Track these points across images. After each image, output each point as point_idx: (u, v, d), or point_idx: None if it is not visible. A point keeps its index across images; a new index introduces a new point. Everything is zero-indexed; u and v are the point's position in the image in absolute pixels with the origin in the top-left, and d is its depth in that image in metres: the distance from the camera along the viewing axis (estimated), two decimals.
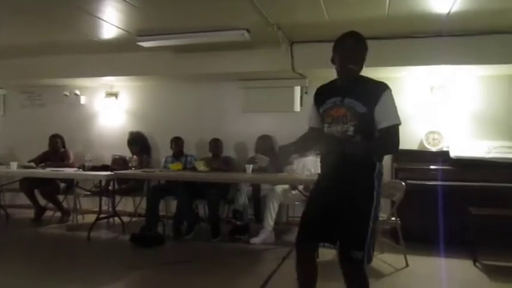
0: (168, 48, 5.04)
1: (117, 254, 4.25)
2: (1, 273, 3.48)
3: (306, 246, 2.31)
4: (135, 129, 5.91)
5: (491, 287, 3.34)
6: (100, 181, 5.07)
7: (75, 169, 5.21)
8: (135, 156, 5.29)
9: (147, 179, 5.10)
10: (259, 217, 4.84)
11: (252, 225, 4.83)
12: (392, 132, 2.09)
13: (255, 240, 4.48)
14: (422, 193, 4.27)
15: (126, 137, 5.75)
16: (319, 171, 2.42)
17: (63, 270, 3.61)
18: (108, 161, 5.58)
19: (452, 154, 4.63)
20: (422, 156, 4.83)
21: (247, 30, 4.30)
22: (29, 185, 5.53)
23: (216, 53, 5.07)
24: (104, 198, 5.11)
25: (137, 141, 5.70)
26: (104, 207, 5.09)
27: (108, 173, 4.74)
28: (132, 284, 3.45)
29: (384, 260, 3.86)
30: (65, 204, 5.72)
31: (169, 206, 5.58)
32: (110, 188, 5.17)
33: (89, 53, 5.43)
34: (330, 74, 2.29)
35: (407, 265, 3.75)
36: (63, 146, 5.94)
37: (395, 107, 2.11)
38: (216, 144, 5.39)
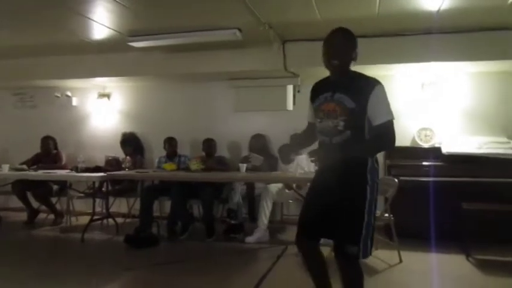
0: (160, 48, 5.03)
1: (111, 256, 4.23)
2: None
3: (306, 244, 2.35)
4: (128, 130, 5.89)
5: (484, 281, 3.37)
6: (93, 182, 5.04)
7: (68, 171, 5.18)
8: (128, 157, 5.28)
9: (140, 180, 5.09)
10: (253, 216, 4.85)
11: (246, 224, 4.84)
12: (387, 128, 2.10)
13: (250, 239, 4.49)
14: (415, 189, 4.31)
15: (119, 138, 5.73)
16: (312, 170, 2.44)
17: (57, 273, 3.59)
18: (101, 163, 5.56)
19: (444, 150, 4.66)
20: (414, 152, 4.86)
21: (239, 30, 4.31)
22: (21, 187, 5.49)
23: (208, 53, 5.07)
24: (97, 200, 5.09)
25: (130, 142, 5.68)
26: (98, 209, 5.07)
27: (102, 174, 4.72)
28: (126, 285, 3.44)
29: (377, 256, 3.88)
30: (58, 207, 5.68)
31: (163, 207, 5.57)
32: (103, 189, 5.15)
33: (80, 54, 5.40)
34: (323, 72, 2.31)
35: (400, 261, 3.78)
36: (56, 148, 5.90)
37: (387, 103, 2.12)
38: (209, 144, 5.39)
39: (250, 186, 5.01)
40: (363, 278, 2.22)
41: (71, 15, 3.97)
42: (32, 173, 5.15)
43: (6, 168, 5.07)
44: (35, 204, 5.62)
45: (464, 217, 3.91)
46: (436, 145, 4.87)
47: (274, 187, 4.70)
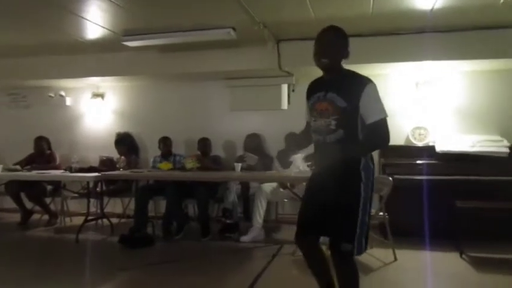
0: (154, 48, 5.01)
1: (106, 256, 4.22)
2: None
3: (305, 243, 2.37)
4: (122, 129, 5.87)
5: (478, 279, 3.39)
6: (88, 183, 5.02)
7: (62, 171, 5.16)
8: (122, 157, 5.26)
9: (135, 180, 5.08)
10: (248, 215, 4.85)
11: (241, 224, 4.84)
12: (380, 126, 2.11)
13: (245, 238, 4.49)
14: (410, 188, 4.32)
15: (113, 138, 5.71)
16: (307, 169, 2.45)
17: (51, 273, 3.57)
18: (95, 163, 5.54)
19: (438, 149, 4.69)
20: (408, 151, 4.88)
21: (233, 29, 4.30)
22: (14, 188, 5.45)
23: (203, 52, 5.06)
24: (91, 200, 5.06)
25: (124, 142, 5.66)
26: (92, 209, 5.04)
27: (96, 174, 4.70)
28: (121, 285, 3.42)
29: (372, 254, 3.89)
30: (52, 207, 5.65)
31: (158, 207, 5.55)
32: (97, 189, 5.13)
33: (74, 54, 5.37)
34: (317, 71, 2.32)
35: (395, 259, 3.79)
36: (49, 148, 5.86)
37: (379, 101, 2.13)
38: (204, 144, 5.38)
39: (245, 186, 5.01)
40: (358, 276, 2.23)
41: (64, 15, 3.94)
42: (26, 173, 5.12)
43: None
44: (28, 205, 5.59)
45: (458, 215, 3.93)
46: (430, 144, 4.90)
47: (268, 186, 4.70)
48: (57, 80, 5.90)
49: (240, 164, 4.69)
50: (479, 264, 3.68)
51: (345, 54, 2.22)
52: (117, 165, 5.17)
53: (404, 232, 4.11)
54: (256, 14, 3.96)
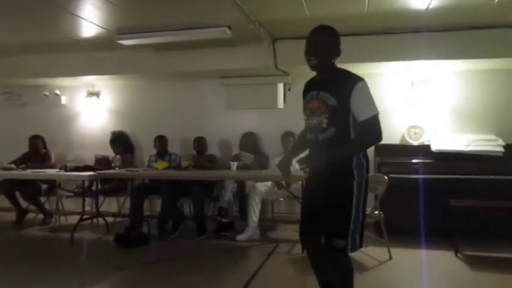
0: (149, 46, 5.00)
1: (101, 255, 4.20)
2: None
3: (307, 242, 2.42)
4: (117, 128, 5.86)
5: (472, 277, 3.41)
6: (83, 181, 4.99)
7: (57, 170, 5.13)
8: (118, 156, 5.25)
9: (130, 179, 5.06)
10: (244, 214, 4.85)
11: (237, 222, 4.84)
12: (371, 123, 2.12)
13: (241, 237, 4.49)
14: (405, 186, 4.33)
15: (108, 137, 5.69)
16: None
17: (46, 273, 3.56)
18: (90, 161, 5.52)
19: (433, 148, 4.70)
20: (404, 150, 4.90)
21: (229, 27, 4.29)
22: (9, 187, 5.43)
23: (198, 51, 5.05)
24: (87, 199, 5.04)
25: (120, 141, 5.65)
26: (87, 208, 5.02)
27: (91, 173, 4.68)
28: (117, 284, 3.41)
29: (367, 253, 3.90)
30: (47, 206, 5.63)
31: (153, 205, 5.55)
32: (93, 188, 5.11)
33: (68, 52, 5.35)
34: (312, 71, 2.31)
35: (390, 258, 3.80)
36: (44, 147, 5.84)
37: (370, 98, 2.14)
38: (200, 142, 5.37)
39: (240, 185, 5.01)
40: (352, 273, 2.24)
41: (59, 13, 3.92)
42: (21, 172, 5.09)
43: None
44: (23, 204, 5.57)
45: (453, 214, 3.95)
46: (426, 143, 4.90)
47: (262, 185, 4.69)
48: (52, 79, 5.88)
49: (235, 163, 4.69)
50: (474, 263, 3.69)
51: (336, 53, 2.23)
52: (113, 164, 5.16)
53: (399, 231, 4.12)
54: (252, 13, 3.96)
